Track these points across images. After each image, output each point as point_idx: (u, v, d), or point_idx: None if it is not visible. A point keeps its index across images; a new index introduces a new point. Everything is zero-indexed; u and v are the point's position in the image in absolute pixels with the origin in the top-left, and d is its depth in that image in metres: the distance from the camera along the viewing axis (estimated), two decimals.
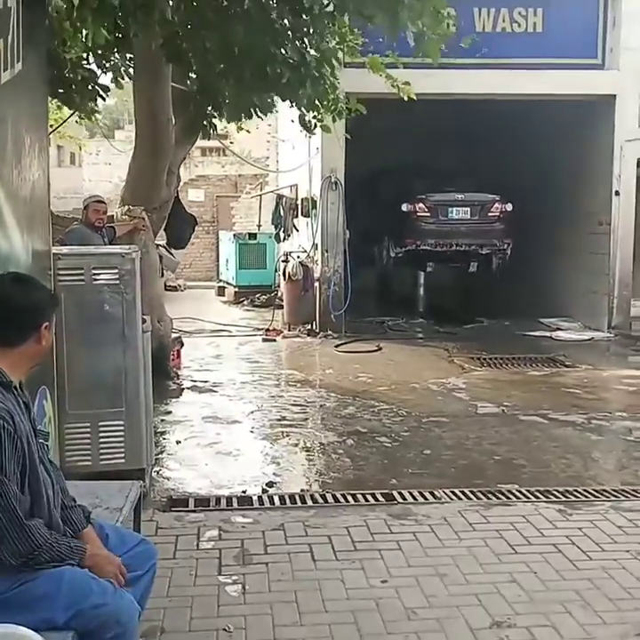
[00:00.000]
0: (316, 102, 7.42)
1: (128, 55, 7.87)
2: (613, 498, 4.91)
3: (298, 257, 12.63)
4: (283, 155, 17.98)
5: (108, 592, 2.42)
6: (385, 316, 12.96)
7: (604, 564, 3.95)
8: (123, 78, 8.12)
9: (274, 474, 5.55)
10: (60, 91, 8.07)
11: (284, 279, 12.61)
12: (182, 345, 9.20)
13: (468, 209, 12.36)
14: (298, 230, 14.22)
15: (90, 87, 8.19)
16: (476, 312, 13.13)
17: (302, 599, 3.58)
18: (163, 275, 10.33)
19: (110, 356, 4.61)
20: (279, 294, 13.78)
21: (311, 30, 6.42)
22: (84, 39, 7.15)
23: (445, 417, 7.04)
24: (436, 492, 4.95)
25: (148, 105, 7.78)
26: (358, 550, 4.13)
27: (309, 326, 11.91)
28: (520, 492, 5.01)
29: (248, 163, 19.69)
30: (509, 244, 12.46)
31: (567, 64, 11.52)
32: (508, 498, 4.90)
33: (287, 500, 4.87)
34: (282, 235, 14.81)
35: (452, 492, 4.95)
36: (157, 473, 5.42)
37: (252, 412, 7.27)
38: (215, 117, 8.33)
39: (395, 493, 4.94)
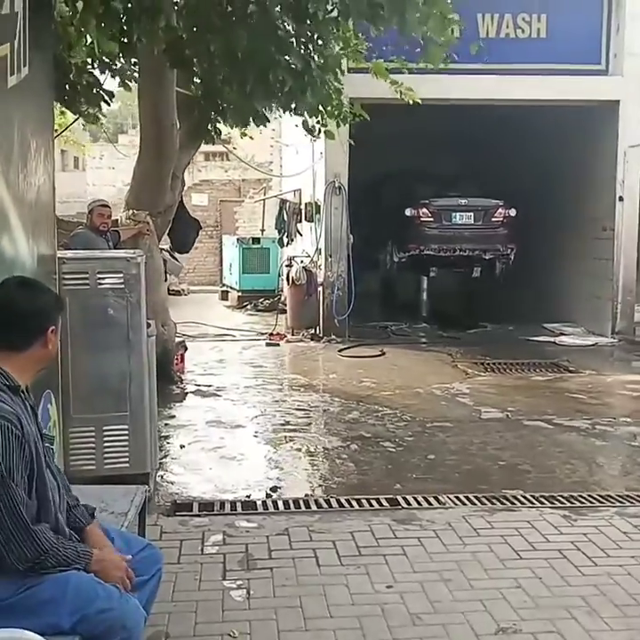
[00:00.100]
0: (319, 108, 7.42)
1: (133, 60, 7.88)
2: (618, 503, 4.90)
3: (301, 261, 12.64)
4: (286, 159, 18.00)
5: (113, 597, 2.41)
6: (388, 320, 12.96)
7: (610, 570, 3.94)
8: (130, 81, 8.15)
9: (278, 478, 5.54)
10: (65, 97, 8.08)
11: (288, 284, 12.62)
12: (186, 349, 9.20)
13: (472, 214, 12.35)
14: (301, 235, 14.23)
15: (94, 92, 8.20)
16: (479, 317, 13.12)
17: (307, 604, 3.57)
18: (166, 279, 10.34)
19: (115, 361, 4.61)
20: (282, 299, 13.79)
21: (315, 36, 6.42)
22: (88, 44, 7.19)
23: (449, 422, 7.03)
24: (440, 498, 4.94)
25: (153, 109, 7.81)
26: (363, 555, 4.12)
27: (313, 331, 11.92)
28: (525, 497, 4.99)
29: (252, 167, 19.69)
30: (513, 249, 12.45)
31: (571, 70, 11.53)
32: (513, 503, 4.89)
33: (291, 505, 4.87)
34: (285, 239, 14.83)
35: (457, 498, 4.94)
36: (161, 477, 5.42)
37: (256, 417, 7.27)
38: (219, 122, 8.35)
39: (399, 498, 4.93)
